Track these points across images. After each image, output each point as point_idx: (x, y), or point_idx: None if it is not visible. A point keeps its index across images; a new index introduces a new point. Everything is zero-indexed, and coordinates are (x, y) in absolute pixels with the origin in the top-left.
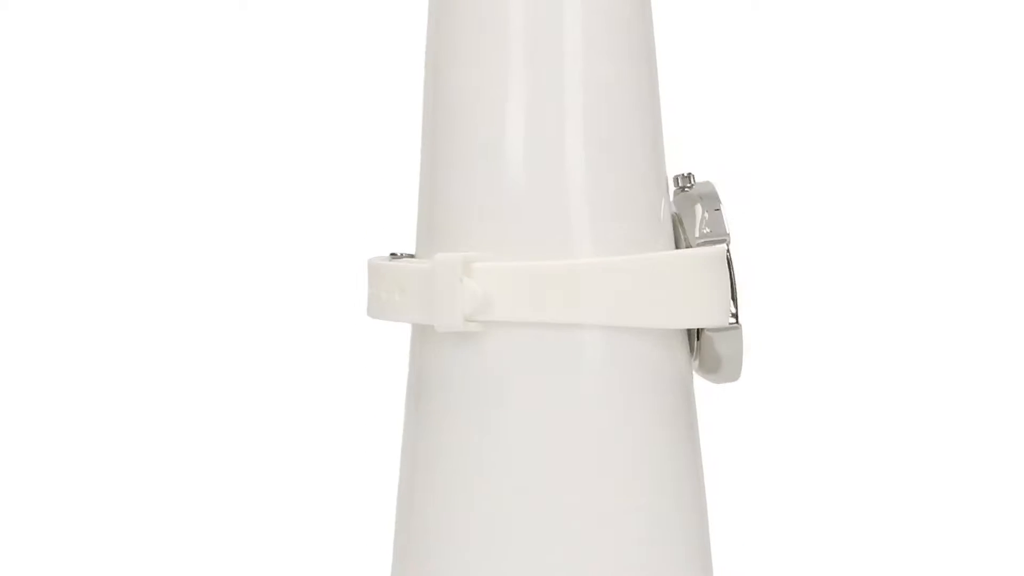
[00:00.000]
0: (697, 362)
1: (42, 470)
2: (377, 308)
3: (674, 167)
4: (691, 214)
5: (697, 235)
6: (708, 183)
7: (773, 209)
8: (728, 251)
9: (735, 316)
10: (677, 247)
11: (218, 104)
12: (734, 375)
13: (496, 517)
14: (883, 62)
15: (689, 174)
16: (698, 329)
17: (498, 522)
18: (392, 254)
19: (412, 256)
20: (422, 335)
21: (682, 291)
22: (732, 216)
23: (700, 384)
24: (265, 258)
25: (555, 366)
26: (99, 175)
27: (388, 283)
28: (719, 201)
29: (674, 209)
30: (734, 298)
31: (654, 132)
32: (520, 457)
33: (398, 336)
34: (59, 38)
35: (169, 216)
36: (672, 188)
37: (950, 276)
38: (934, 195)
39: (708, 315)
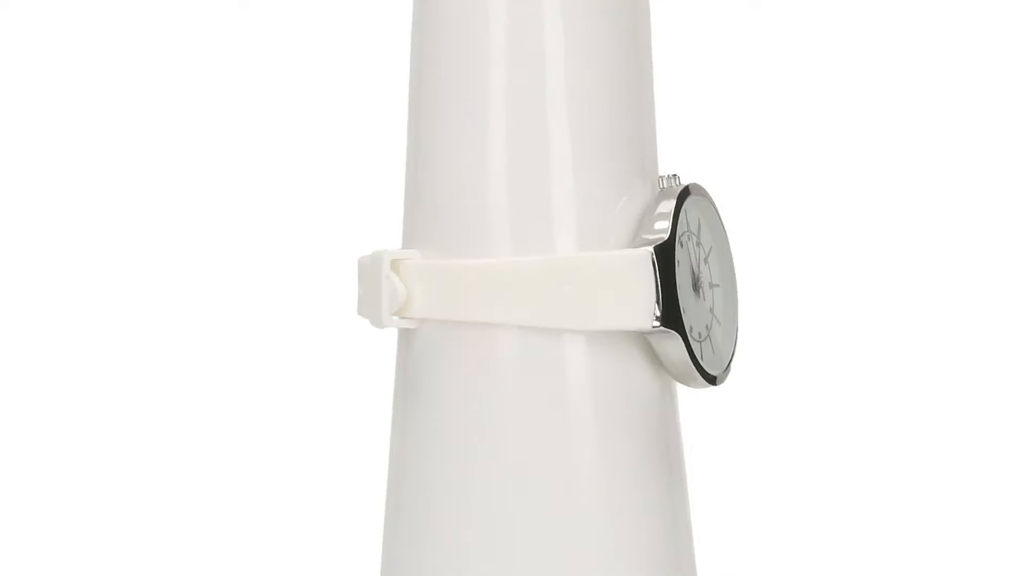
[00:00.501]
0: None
1: (23, 467)
2: (358, 305)
3: (674, 167)
4: (650, 215)
5: (647, 236)
6: (682, 186)
7: (770, 210)
8: (654, 254)
9: (660, 319)
10: None
11: (218, 104)
12: (697, 381)
13: (427, 516)
14: (883, 62)
15: (674, 175)
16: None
17: (430, 521)
18: None
19: None
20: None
21: (594, 292)
22: (733, 217)
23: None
24: (271, 257)
25: (473, 366)
26: (92, 173)
27: (360, 280)
28: (675, 203)
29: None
30: (662, 300)
31: (625, 133)
32: (439, 457)
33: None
34: (57, 32)
35: (181, 217)
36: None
37: (946, 279)
38: (933, 196)
39: (625, 318)
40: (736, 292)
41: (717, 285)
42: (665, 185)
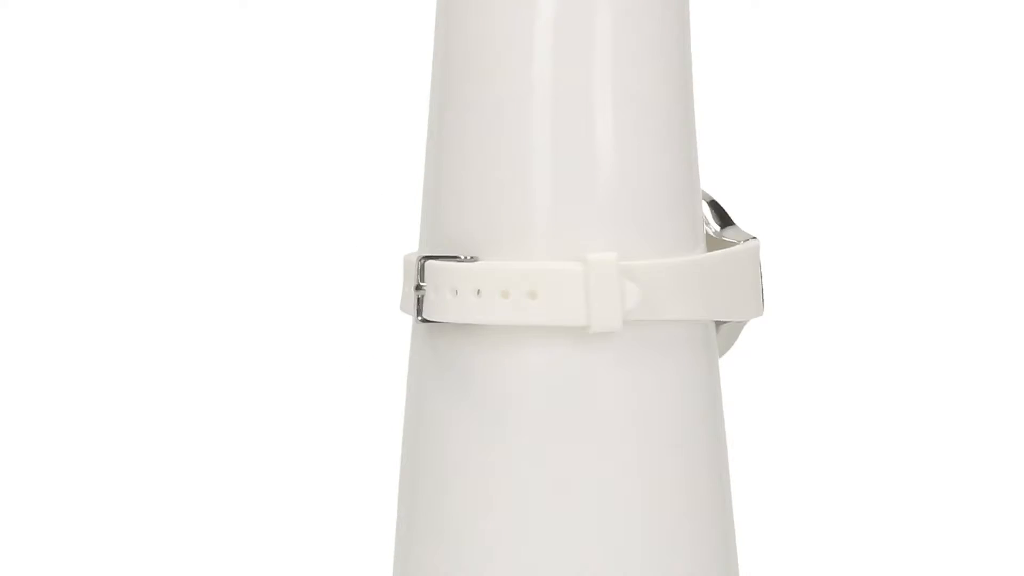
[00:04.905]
0: None
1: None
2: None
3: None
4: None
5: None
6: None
7: (774, 209)
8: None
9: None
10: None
11: (218, 104)
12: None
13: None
14: (884, 63)
15: None
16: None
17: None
18: None
19: None
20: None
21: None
22: (739, 216)
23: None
24: (279, 257)
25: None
26: (101, 176)
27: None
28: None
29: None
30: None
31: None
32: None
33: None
34: (56, 32)
35: (181, 218)
36: None
37: (955, 278)
38: (938, 196)
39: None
40: None
41: None
42: None
